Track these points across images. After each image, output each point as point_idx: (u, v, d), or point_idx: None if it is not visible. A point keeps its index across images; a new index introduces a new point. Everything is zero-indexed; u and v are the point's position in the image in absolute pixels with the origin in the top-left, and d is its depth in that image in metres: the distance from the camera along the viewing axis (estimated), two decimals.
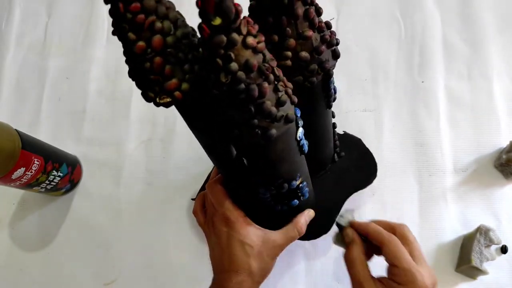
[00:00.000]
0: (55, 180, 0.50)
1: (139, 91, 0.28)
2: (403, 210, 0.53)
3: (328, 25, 0.32)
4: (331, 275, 0.51)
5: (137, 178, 0.56)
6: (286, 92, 0.27)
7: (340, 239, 0.42)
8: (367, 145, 0.55)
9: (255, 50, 0.25)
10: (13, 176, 0.43)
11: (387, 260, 0.37)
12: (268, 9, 0.29)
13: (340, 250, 0.52)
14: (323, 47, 0.31)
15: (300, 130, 0.31)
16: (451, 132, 0.56)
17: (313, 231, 0.45)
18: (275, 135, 0.27)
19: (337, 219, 0.42)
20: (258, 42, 0.25)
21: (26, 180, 0.45)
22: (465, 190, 0.53)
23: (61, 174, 0.51)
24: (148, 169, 0.56)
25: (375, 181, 0.54)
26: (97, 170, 0.57)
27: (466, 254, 0.48)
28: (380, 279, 0.37)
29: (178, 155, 0.56)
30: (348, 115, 0.57)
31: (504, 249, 0.50)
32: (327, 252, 0.52)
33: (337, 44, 0.32)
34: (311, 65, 0.32)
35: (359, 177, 0.49)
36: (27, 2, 0.67)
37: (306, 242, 0.52)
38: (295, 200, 0.39)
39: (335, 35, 0.32)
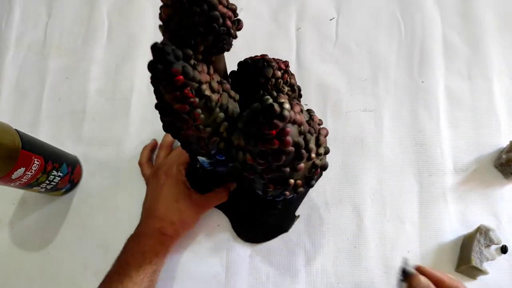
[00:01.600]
0: (55, 180, 0.50)
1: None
2: (403, 210, 0.53)
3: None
4: (331, 275, 0.51)
5: (137, 178, 0.56)
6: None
7: None
8: (367, 145, 0.55)
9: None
10: (13, 176, 0.43)
11: None
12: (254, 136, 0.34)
13: (342, 250, 0.52)
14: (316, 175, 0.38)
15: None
16: (451, 132, 0.56)
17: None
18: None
19: (403, 266, 0.41)
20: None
21: (26, 180, 0.45)
22: (465, 190, 0.53)
23: (61, 174, 0.51)
24: None
25: (375, 181, 0.54)
26: (97, 170, 0.57)
27: (466, 254, 0.49)
28: None
29: None
30: (348, 115, 0.57)
31: (504, 249, 0.50)
32: (327, 252, 0.52)
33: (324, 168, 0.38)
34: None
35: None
36: (27, 2, 0.67)
37: (306, 242, 0.52)
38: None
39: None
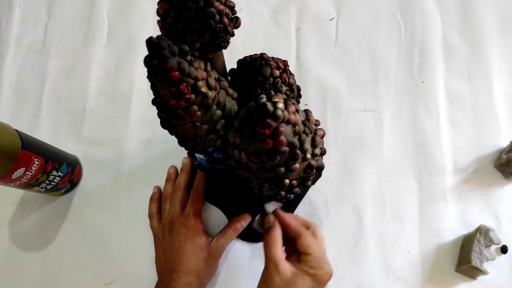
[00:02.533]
0: (55, 180, 0.50)
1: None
2: (403, 210, 0.53)
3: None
4: None
5: (137, 178, 0.56)
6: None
7: (260, 224, 0.44)
8: (367, 145, 0.55)
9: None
10: (13, 176, 0.43)
11: (301, 249, 0.41)
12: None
13: (342, 250, 0.52)
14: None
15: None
16: (451, 132, 0.56)
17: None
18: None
19: (265, 205, 0.43)
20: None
21: (26, 180, 0.45)
22: (465, 190, 0.53)
23: (61, 174, 0.51)
24: (148, 169, 0.56)
25: (375, 181, 0.54)
26: (97, 170, 0.57)
27: (466, 254, 0.49)
28: (293, 263, 0.40)
29: (177, 155, 0.56)
30: (348, 115, 0.57)
31: (504, 249, 0.50)
32: (327, 252, 0.51)
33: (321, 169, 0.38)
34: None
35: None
36: (27, 2, 0.67)
37: None
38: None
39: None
